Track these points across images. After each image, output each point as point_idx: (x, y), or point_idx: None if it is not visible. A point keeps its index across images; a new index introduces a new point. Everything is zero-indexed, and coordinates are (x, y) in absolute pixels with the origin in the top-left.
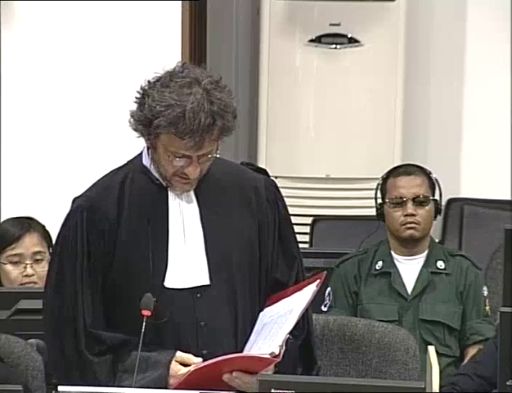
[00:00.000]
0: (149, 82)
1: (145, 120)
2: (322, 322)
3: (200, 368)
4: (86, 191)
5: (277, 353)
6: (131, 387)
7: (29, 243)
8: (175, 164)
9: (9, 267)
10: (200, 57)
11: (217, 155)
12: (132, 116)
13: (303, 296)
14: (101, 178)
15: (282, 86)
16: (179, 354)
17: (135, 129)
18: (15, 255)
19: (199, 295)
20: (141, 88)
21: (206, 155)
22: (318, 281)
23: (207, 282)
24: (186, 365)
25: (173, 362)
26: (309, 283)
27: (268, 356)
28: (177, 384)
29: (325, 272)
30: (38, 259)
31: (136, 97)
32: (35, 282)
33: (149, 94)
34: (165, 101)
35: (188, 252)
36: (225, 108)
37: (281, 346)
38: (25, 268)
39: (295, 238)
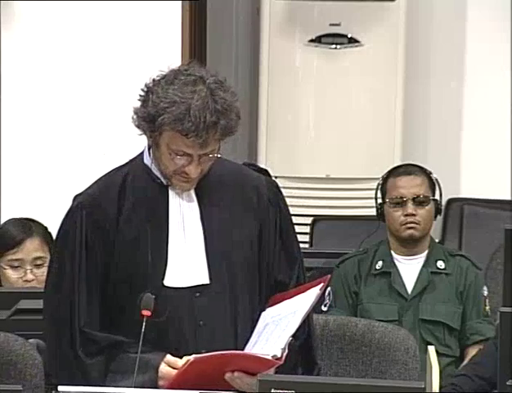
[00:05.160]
0: (153, 79)
1: (148, 117)
2: (322, 322)
3: (201, 359)
4: (87, 189)
5: (279, 356)
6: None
7: (30, 248)
8: (176, 162)
9: (9, 271)
10: (200, 57)
11: (219, 156)
12: (135, 113)
13: (307, 299)
14: (102, 176)
15: (282, 86)
16: (169, 356)
17: (138, 126)
18: (15, 259)
19: (198, 294)
20: (145, 85)
21: (207, 155)
22: (322, 284)
23: (206, 281)
24: (175, 368)
25: (162, 364)
26: (312, 286)
27: (270, 358)
28: (175, 376)
29: (329, 275)
30: (38, 264)
31: (140, 94)
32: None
33: (153, 91)
34: (169, 98)
35: (188, 251)
36: (228, 108)
37: (284, 349)
38: (25, 273)
39: (297, 240)
